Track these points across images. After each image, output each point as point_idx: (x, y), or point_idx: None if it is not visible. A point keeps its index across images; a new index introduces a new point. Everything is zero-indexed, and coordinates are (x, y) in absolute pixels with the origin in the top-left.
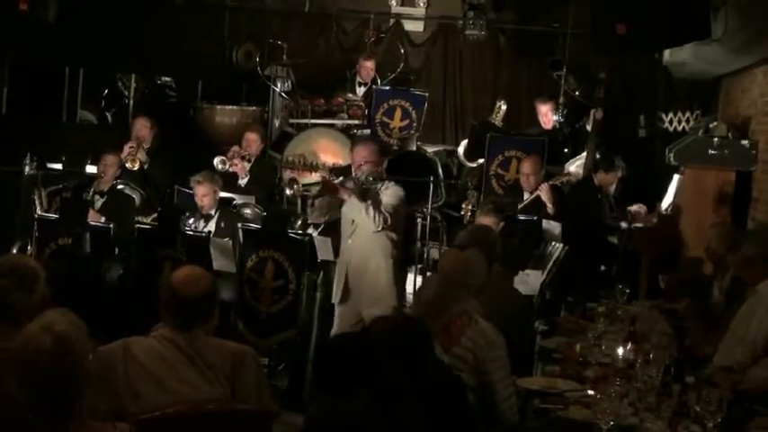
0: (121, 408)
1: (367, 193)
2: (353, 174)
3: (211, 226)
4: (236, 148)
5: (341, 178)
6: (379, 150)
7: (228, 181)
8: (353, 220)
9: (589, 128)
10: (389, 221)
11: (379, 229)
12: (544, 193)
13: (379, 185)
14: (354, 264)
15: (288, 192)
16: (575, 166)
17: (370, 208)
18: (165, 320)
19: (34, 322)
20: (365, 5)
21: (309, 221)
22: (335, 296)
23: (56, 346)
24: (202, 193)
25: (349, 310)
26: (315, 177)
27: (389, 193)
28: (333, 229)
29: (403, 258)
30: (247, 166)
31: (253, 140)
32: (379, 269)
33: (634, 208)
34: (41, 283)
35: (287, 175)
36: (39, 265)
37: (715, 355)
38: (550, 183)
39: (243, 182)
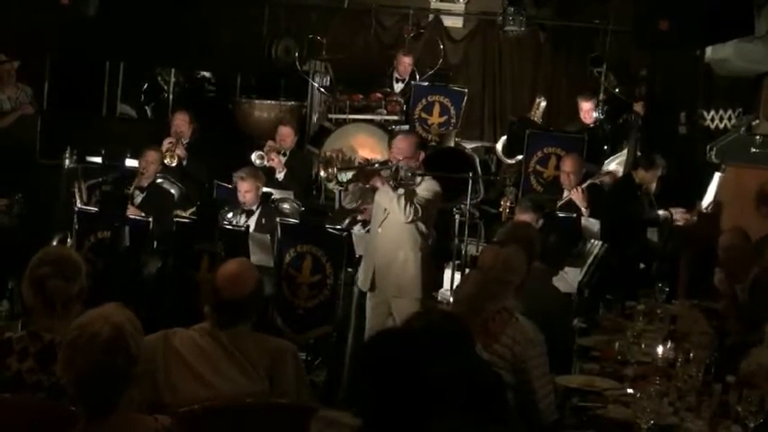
0: (159, 399)
1: (400, 184)
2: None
3: (252, 221)
4: (271, 142)
5: (376, 165)
6: (417, 144)
7: (266, 176)
8: (385, 209)
9: (631, 126)
10: (420, 214)
11: (409, 220)
12: (577, 196)
13: (417, 179)
14: (382, 252)
15: (321, 173)
16: (615, 164)
17: (402, 198)
18: (207, 314)
19: (92, 311)
20: (404, 1)
21: (342, 205)
22: (364, 283)
23: (112, 336)
24: (246, 188)
25: (379, 301)
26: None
27: (424, 187)
28: None
29: (433, 252)
30: (283, 159)
31: (287, 134)
32: (407, 260)
33: (676, 212)
34: (82, 276)
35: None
36: (81, 258)
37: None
38: (590, 181)
39: (280, 176)
